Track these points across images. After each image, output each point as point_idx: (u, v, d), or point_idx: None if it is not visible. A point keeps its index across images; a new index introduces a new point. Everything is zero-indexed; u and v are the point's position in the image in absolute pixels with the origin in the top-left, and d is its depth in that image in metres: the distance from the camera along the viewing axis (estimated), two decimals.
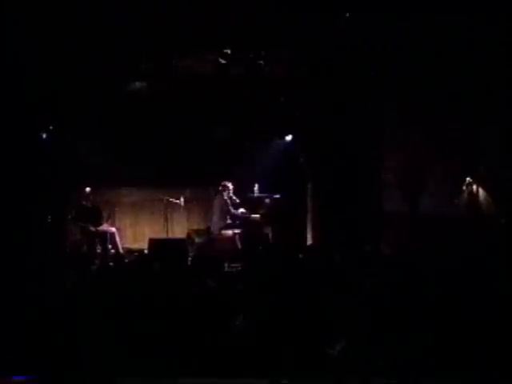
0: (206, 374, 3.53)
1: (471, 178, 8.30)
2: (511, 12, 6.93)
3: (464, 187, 8.36)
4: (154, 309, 4.34)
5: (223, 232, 9.82)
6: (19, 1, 7.12)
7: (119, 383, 3.54)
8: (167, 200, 10.51)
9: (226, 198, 9.88)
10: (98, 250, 9.88)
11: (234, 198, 9.98)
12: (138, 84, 9.29)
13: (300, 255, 7.54)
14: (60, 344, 3.84)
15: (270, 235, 10.40)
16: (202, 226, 11.07)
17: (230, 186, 9.97)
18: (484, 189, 8.20)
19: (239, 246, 9.63)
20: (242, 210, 10.01)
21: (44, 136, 10.12)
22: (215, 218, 9.97)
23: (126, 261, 8.35)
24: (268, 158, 11.05)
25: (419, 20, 7.46)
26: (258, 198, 10.48)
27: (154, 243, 9.30)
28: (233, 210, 9.88)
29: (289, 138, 11.04)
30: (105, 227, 10.06)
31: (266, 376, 3.48)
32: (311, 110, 10.20)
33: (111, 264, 8.29)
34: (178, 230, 11.15)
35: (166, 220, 10.80)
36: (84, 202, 10.03)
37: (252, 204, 10.44)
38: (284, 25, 7.65)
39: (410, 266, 5.89)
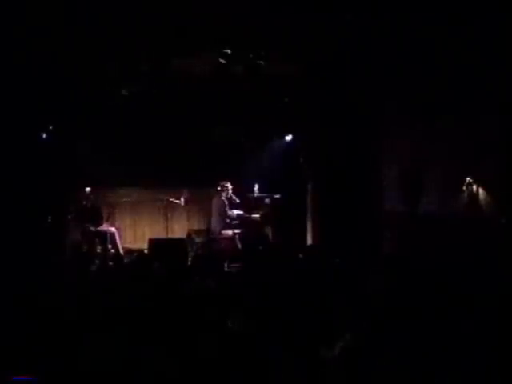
0: (206, 374, 3.54)
1: (471, 178, 8.29)
2: (511, 12, 6.93)
3: (464, 187, 8.36)
4: (153, 309, 4.35)
5: (223, 232, 9.82)
6: (20, 1, 7.12)
7: (118, 382, 3.54)
8: (167, 200, 10.52)
9: (223, 198, 9.88)
10: (98, 250, 9.90)
11: (234, 198, 9.99)
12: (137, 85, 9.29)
13: (300, 255, 7.55)
14: (60, 344, 3.84)
15: (270, 235, 10.42)
16: (202, 226, 11.10)
17: (229, 186, 9.97)
18: (484, 189, 8.19)
19: (239, 246, 9.64)
20: (238, 211, 10.02)
21: (44, 136, 10.13)
22: (214, 219, 9.98)
23: (126, 261, 8.36)
24: (268, 158, 11.06)
25: (419, 20, 7.46)
26: (258, 197, 10.50)
27: (153, 243, 9.31)
28: (229, 212, 9.87)
29: (289, 138, 11.05)
30: (105, 227, 10.08)
31: (266, 374, 3.49)
32: (311, 110, 10.20)
33: (111, 264, 8.30)
34: (178, 229, 11.18)
35: (166, 220, 10.82)
36: (84, 202, 10.04)
37: (252, 204, 10.46)
38: (284, 25, 7.65)
39: (410, 266, 5.89)
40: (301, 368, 3.52)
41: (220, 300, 4.56)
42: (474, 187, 8.25)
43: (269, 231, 10.46)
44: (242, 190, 10.40)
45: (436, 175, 8.67)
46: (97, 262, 8.75)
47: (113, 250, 9.94)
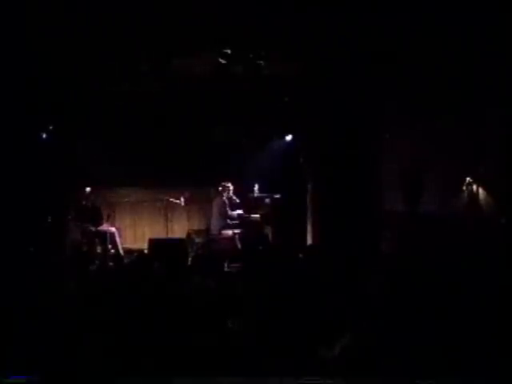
0: (205, 375, 3.54)
1: (471, 178, 8.30)
2: (511, 11, 6.93)
3: (464, 187, 8.36)
4: (153, 309, 4.35)
5: (223, 232, 9.83)
6: (20, 1, 7.12)
7: (118, 383, 3.54)
8: (167, 200, 10.52)
9: (224, 198, 9.89)
10: (98, 250, 9.89)
11: (234, 198, 9.99)
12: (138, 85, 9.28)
13: (300, 255, 7.55)
14: (60, 344, 3.84)
15: (270, 235, 10.41)
16: (202, 226, 11.09)
17: (231, 186, 9.98)
18: (484, 189, 8.20)
19: (239, 246, 9.64)
20: (238, 211, 10.02)
21: (44, 136, 10.13)
22: (214, 219, 9.98)
23: (126, 261, 8.36)
24: (268, 158, 11.05)
25: (419, 19, 7.46)
26: (258, 197, 10.49)
27: (153, 243, 9.31)
28: (230, 212, 9.88)
29: (289, 138, 11.05)
30: (105, 227, 10.08)
31: (265, 376, 3.48)
32: (311, 110, 10.20)
33: (111, 264, 8.30)
34: (178, 229, 11.18)
35: (166, 220, 10.82)
36: (84, 202, 10.04)
37: (252, 204, 10.45)
38: (284, 25, 7.65)
39: (410, 266, 5.89)
40: (301, 368, 3.52)
41: (220, 300, 4.56)
42: (474, 187, 8.25)
43: (269, 231, 10.45)
44: (242, 190, 10.40)
45: (436, 175, 8.67)
46: (97, 262, 8.75)
47: (113, 250, 9.94)
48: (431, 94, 8.52)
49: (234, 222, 9.92)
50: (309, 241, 10.57)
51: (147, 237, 10.17)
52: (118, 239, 10.06)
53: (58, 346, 3.83)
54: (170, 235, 10.76)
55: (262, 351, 3.72)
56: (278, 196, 10.49)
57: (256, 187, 10.48)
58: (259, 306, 4.45)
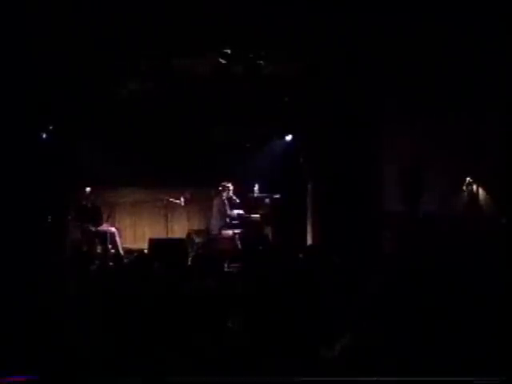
0: (205, 375, 3.54)
1: (471, 177, 8.30)
2: (510, 11, 6.93)
3: (464, 187, 8.36)
4: (153, 309, 4.35)
5: (223, 232, 9.82)
6: (19, 1, 7.12)
7: (118, 383, 3.55)
8: (167, 200, 10.52)
9: (224, 198, 9.89)
10: (98, 250, 9.89)
11: (234, 198, 9.99)
12: (138, 84, 9.28)
13: (300, 255, 7.55)
14: (60, 344, 3.84)
15: (270, 235, 10.41)
16: (202, 226, 11.10)
17: (230, 186, 9.98)
18: (484, 189, 8.20)
19: (239, 246, 9.64)
20: (238, 211, 10.02)
21: (44, 136, 10.13)
22: (214, 219, 9.99)
23: (126, 261, 8.36)
24: (268, 158, 11.06)
25: (419, 18, 7.46)
26: (258, 197, 10.50)
27: (153, 243, 9.31)
28: (229, 211, 9.88)
29: (289, 138, 11.05)
30: (105, 227, 10.08)
31: (265, 376, 3.49)
32: (311, 110, 10.20)
33: (111, 264, 8.30)
34: (178, 229, 11.19)
35: (166, 220, 10.82)
36: (84, 202, 10.04)
37: (252, 204, 10.46)
38: (284, 25, 7.65)
39: (410, 267, 5.89)
40: (301, 368, 3.52)
41: (220, 300, 4.56)
42: (474, 187, 8.26)
43: (269, 231, 10.46)
44: (242, 189, 10.41)
45: (436, 174, 8.67)
46: (97, 262, 8.74)
47: (113, 250, 9.94)
48: (431, 92, 8.52)
49: (233, 221, 9.92)
50: (309, 241, 10.56)
51: (147, 237, 10.17)
52: (118, 239, 10.06)
53: (57, 346, 3.82)
54: (170, 235, 10.76)
55: (262, 351, 3.72)
56: (277, 196, 10.49)
57: (256, 187, 10.48)
58: (259, 306, 4.45)
